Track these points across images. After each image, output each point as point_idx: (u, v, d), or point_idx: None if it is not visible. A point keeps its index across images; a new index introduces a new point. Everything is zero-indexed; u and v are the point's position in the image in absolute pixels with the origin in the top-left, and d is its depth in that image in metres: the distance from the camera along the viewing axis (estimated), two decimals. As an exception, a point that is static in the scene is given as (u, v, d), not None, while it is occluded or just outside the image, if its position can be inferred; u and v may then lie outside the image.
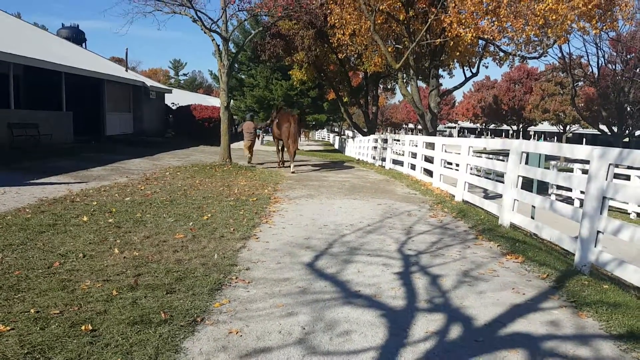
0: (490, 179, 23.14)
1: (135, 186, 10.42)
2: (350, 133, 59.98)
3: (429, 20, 17.73)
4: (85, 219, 6.90)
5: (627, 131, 32.86)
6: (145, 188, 10.22)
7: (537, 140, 72.09)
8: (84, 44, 35.35)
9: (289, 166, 15.98)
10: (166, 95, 32.12)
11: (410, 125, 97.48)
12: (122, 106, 25.93)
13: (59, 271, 4.69)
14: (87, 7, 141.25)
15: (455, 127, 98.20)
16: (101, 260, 5.08)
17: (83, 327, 3.52)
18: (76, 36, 34.99)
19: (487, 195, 15.15)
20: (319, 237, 6.64)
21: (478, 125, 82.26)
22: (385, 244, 6.41)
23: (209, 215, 7.61)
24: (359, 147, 26.88)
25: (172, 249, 5.59)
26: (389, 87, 38.07)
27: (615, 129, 32.55)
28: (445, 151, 12.61)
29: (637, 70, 29.81)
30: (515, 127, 74.67)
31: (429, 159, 14.52)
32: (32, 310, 3.76)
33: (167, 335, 3.48)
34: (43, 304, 3.90)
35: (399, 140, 18.92)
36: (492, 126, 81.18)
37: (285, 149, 16.54)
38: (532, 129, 77.18)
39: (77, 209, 7.61)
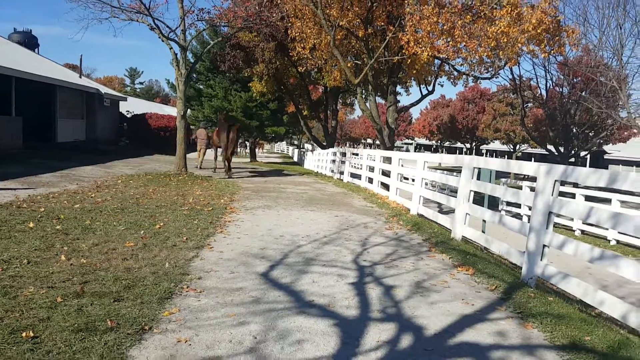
0: (444, 193, 23.66)
1: (85, 193, 10.12)
2: (309, 146, 60.18)
3: (387, 38, 18.07)
4: (31, 225, 6.64)
5: (573, 151, 34.21)
6: (95, 195, 9.94)
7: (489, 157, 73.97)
8: (36, 49, 34.27)
9: (225, 173, 17.41)
10: (121, 103, 31.44)
11: (369, 141, 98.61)
12: (75, 113, 25.22)
13: (1, 277, 4.49)
14: (41, 12, 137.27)
15: (412, 144, 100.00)
16: (46, 267, 4.89)
17: (24, 334, 3.37)
18: (29, 41, 33.86)
19: (442, 209, 15.46)
20: (274, 248, 6.60)
21: (434, 142, 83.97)
22: (341, 255, 6.43)
23: (162, 224, 7.47)
24: (318, 160, 26.99)
25: (122, 257, 5.44)
26: (348, 102, 38.59)
27: (562, 149, 33.85)
28: (402, 165, 12.81)
29: (583, 93, 31.18)
30: (468, 145, 76.63)
31: (386, 173, 14.70)
32: (-32, 318, 3.58)
33: (112, 343, 3.37)
34: (-19, 312, 3.71)
35: (357, 155, 19.09)
36: (447, 143, 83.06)
37: (222, 156, 17.78)
38: (484, 147, 79.37)
39: (23, 215, 7.33)
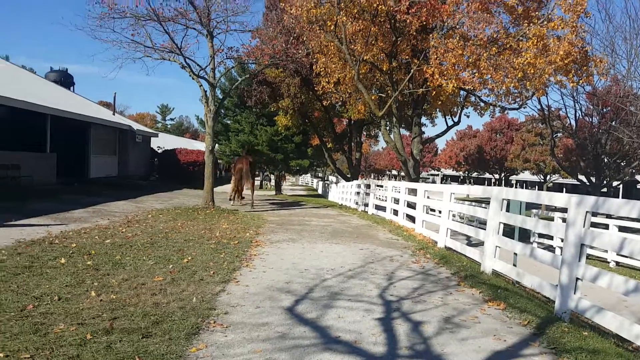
0: (473, 225, 23.31)
1: (116, 228, 10.31)
2: (333, 178, 60.31)
3: (412, 70, 18.20)
4: (62, 261, 6.76)
5: (604, 181, 33.45)
6: (126, 230, 10.11)
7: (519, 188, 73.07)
8: (72, 88, 35.53)
9: (246, 203, 18.63)
10: (152, 139, 32.24)
11: (394, 172, 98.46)
12: (108, 149, 25.90)
13: (32, 314, 4.56)
14: (75, 51, 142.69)
15: (438, 175, 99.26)
16: (77, 303, 4.96)
17: (53, 372, 3.40)
18: (64, 79, 35.19)
19: (470, 242, 15.21)
20: (299, 282, 6.58)
21: (461, 173, 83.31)
22: (367, 289, 6.36)
23: (189, 258, 7.54)
24: (342, 192, 27.00)
25: (150, 292, 5.49)
26: (372, 134, 38.75)
27: (593, 179, 33.14)
28: (428, 197, 12.72)
29: (613, 123, 30.66)
30: (497, 176, 75.73)
31: (411, 205, 14.60)
32: (1, 355, 3.63)
33: (140, 381, 3.38)
34: (13, 348, 3.77)
35: (381, 186, 19.05)
36: (474, 174, 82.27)
37: (236, 187, 18.70)
38: (513, 177, 78.34)
39: (55, 250, 7.48)
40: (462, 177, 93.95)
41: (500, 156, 68.83)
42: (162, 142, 37.87)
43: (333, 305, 5.51)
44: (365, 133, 38.22)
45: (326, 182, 56.04)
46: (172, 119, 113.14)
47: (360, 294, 6.10)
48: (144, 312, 4.77)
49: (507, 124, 69.49)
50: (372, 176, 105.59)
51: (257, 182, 37.44)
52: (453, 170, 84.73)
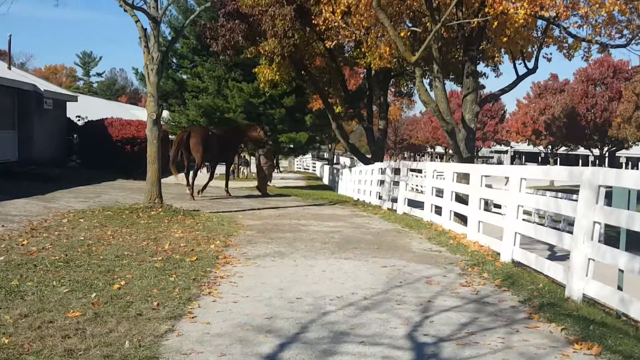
0: (556, 227, 23.30)
1: (13, 240, 10.37)
2: (346, 161, 60.44)
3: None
4: None
5: None
6: (29, 242, 10.17)
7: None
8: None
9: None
10: (69, 104, 32.22)
11: (439, 149, 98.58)
12: (3, 122, 25.93)
13: None
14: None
15: (506, 151, 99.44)
16: (-52, 353, 5.01)
17: None
18: None
19: (554, 252, 15.23)
20: (288, 316, 6.63)
21: (541, 148, 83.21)
22: (389, 327, 6.41)
23: (122, 282, 7.60)
24: (359, 181, 27.05)
25: (62, 334, 5.54)
26: (404, 90, 38.45)
27: None
28: (487, 186, 12.72)
29: None
30: (597, 152, 75.60)
31: (463, 199, 14.62)
32: None
33: None
34: None
35: (418, 171, 19.11)
36: (562, 149, 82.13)
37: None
38: (623, 153, 78.21)
39: None
40: (543, 155, 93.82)
41: (601, 120, 68.66)
42: (85, 109, 37.89)
43: (337, 352, 5.55)
44: (392, 90, 38.08)
45: (335, 166, 56.05)
46: (99, 74, 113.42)
47: (378, 334, 6.14)
48: (50, 365, 4.81)
49: (611, 70, 69.22)
50: (406, 155, 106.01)
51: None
52: (529, 145, 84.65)
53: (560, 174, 9.28)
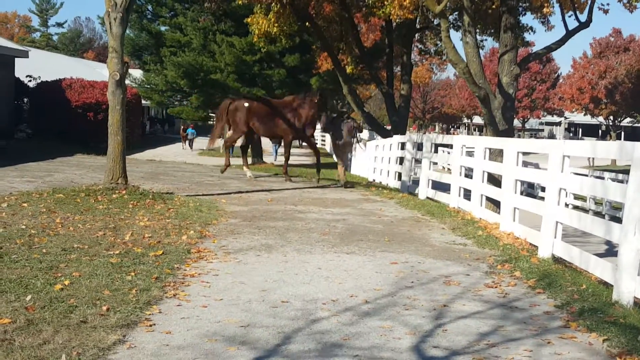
0: (606, 213, 23.19)
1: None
2: (364, 135, 60.19)
3: None
4: None
5: None
6: (-44, 231, 10.21)
7: None
8: None
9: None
10: (19, 62, 32.20)
11: (477, 120, 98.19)
12: None
13: None
14: None
15: (559, 123, 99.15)
16: None
17: None
18: None
19: (613, 248, 15.10)
20: (268, 324, 6.61)
21: (601, 119, 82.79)
22: (392, 337, 6.39)
23: (67, 282, 7.57)
24: (375, 158, 26.97)
25: (-16, 345, 5.52)
26: (431, 48, 38.08)
27: None
28: (523, 164, 12.67)
29: None
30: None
31: (498, 180, 14.56)
32: None
33: None
34: None
35: (444, 146, 19.04)
36: (626, 121, 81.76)
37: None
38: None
39: None
40: (604, 128, 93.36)
41: (675, 86, 68.26)
42: (40, 67, 37.86)
43: (325, 367, 5.54)
44: (418, 47, 37.82)
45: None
46: (60, 25, 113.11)
47: (377, 346, 6.13)
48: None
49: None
50: (437, 128, 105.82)
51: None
52: (586, 115, 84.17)
53: (609, 150, 9.20)
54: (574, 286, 8.51)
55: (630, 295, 7.71)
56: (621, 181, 21.92)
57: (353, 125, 21.37)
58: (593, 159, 37.17)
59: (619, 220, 9.29)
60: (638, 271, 7.65)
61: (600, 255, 9.82)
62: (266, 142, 43.09)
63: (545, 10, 25.41)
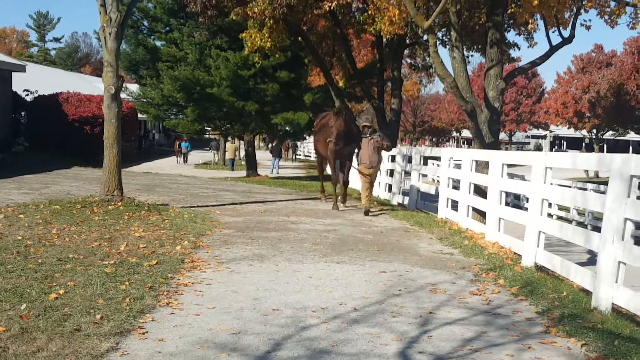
0: (587, 223, 23.29)
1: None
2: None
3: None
4: None
5: None
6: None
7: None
8: None
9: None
10: (16, 76, 32.12)
11: (466, 133, 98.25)
12: None
13: None
14: None
15: (545, 136, 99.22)
16: None
17: None
18: None
19: (594, 255, 15.16)
20: (259, 332, 6.66)
21: (584, 132, 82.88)
22: (379, 343, 6.44)
23: (62, 291, 7.60)
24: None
25: (-21, 354, 5.56)
26: (421, 63, 38.07)
27: None
28: (508, 176, 12.73)
29: None
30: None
31: (484, 192, 14.63)
32: None
33: None
34: None
35: (433, 159, 19.09)
36: (608, 134, 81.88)
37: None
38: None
39: None
40: (587, 141, 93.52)
41: (657, 99, 68.41)
42: (37, 81, 37.74)
43: (313, 373, 5.58)
44: (408, 62, 37.77)
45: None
46: (57, 40, 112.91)
47: (365, 352, 6.18)
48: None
49: (669, 39, 68.94)
50: (427, 141, 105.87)
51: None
52: (571, 129, 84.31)
53: (589, 161, 9.29)
54: (555, 293, 8.60)
55: (608, 301, 7.78)
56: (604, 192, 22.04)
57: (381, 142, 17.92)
58: (597, 171, 37.15)
59: (600, 230, 9.35)
60: (616, 278, 7.72)
61: (582, 264, 9.95)
62: (261, 156, 43.19)
63: (530, 26, 25.39)
